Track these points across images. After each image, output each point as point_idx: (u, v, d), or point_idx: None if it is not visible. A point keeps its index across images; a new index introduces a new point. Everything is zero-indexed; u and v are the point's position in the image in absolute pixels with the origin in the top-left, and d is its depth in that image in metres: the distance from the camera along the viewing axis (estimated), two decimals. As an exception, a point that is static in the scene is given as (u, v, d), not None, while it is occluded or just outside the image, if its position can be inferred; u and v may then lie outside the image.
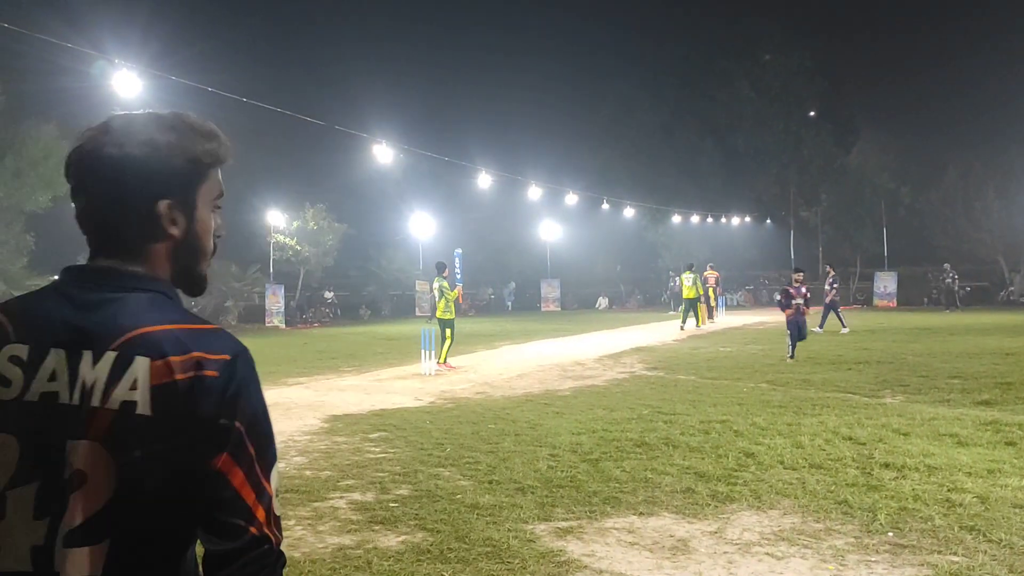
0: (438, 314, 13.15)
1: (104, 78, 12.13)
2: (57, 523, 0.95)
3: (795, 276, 13.26)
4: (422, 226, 32.37)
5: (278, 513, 1.02)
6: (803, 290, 12.90)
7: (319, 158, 36.41)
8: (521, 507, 4.80)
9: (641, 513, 4.71)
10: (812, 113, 44.31)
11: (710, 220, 40.17)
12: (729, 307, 31.95)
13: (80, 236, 1.07)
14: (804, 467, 5.61)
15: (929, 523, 4.36)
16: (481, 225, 37.30)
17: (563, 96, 52.23)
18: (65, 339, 1.00)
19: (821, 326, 18.41)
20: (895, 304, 31.83)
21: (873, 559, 3.90)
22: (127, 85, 12.00)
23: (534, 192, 29.05)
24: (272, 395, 9.90)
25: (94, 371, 0.97)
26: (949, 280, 29.07)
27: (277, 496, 1.02)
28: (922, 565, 3.80)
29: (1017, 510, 4.52)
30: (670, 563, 3.94)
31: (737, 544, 4.17)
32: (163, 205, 1.05)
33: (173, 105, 1.18)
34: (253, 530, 0.97)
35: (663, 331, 20.87)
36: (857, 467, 5.58)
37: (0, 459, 0.98)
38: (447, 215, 34.18)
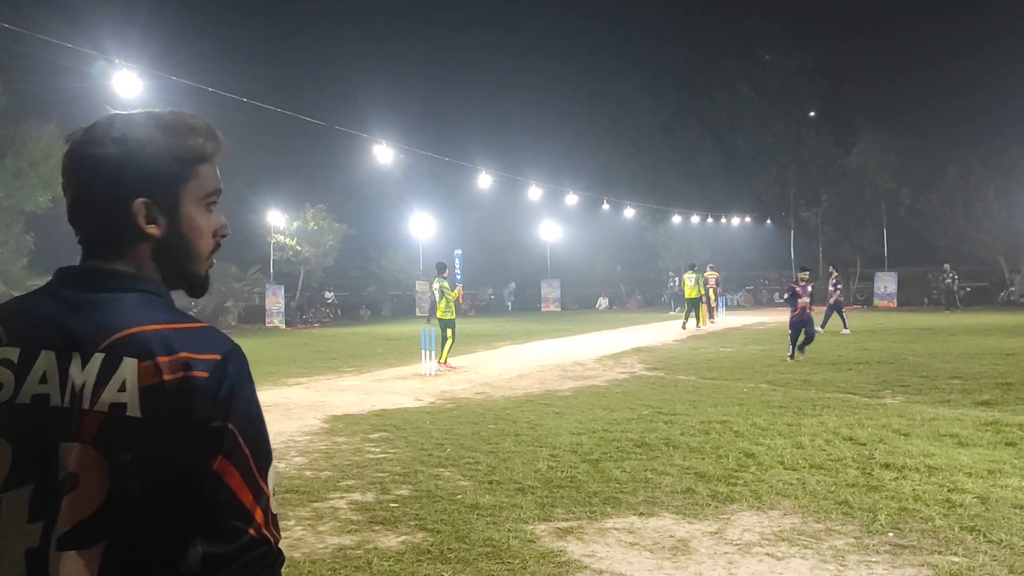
0: (439, 314, 13.16)
1: (104, 78, 12.14)
2: (51, 526, 0.94)
3: (801, 275, 13.17)
4: (422, 226, 32.37)
5: (275, 512, 1.02)
6: (809, 288, 12.88)
7: (319, 158, 36.42)
8: (521, 507, 4.80)
9: (641, 513, 4.71)
10: (812, 113, 44.31)
11: (710, 220, 40.18)
12: (729, 307, 31.95)
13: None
14: (804, 467, 5.61)
15: (929, 523, 4.35)
16: (481, 225, 37.31)
17: (563, 96, 52.22)
18: (55, 341, 0.99)
19: (823, 326, 18.41)
20: (895, 304, 31.84)
21: (873, 559, 3.90)
22: (127, 85, 12.01)
23: (534, 192, 29.06)
24: (272, 395, 9.90)
25: (83, 373, 0.97)
26: (949, 280, 29.08)
27: (274, 495, 1.02)
28: (922, 565, 3.80)
29: (1017, 510, 4.52)
30: (670, 563, 3.94)
31: (737, 544, 4.17)
32: (139, 204, 1.03)
33: (173, 105, 1.17)
34: (251, 531, 0.97)
35: (663, 331, 20.87)
36: (857, 467, 5.58)
37: None
38: (447, 215, 34.18)
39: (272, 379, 11.51)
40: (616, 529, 4.45)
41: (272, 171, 31.76)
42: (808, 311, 12.63)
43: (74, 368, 0.97)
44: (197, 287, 1.12)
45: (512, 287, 39.05)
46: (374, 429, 7.56)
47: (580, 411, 8.27)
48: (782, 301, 37.57)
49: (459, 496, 5.08)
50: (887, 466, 5.56)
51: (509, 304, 38.55)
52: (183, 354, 0.97)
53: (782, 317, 26.01)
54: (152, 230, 1.04)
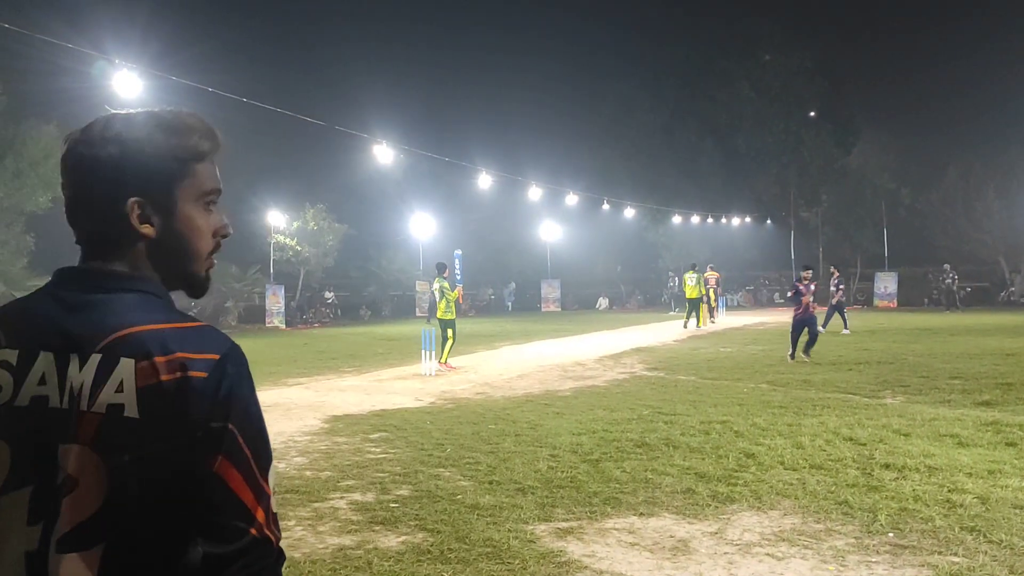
0: (439, 314, 13.16)
1: (104, 78, 12.14)
2: (51, 528, 0.94)
3: (804, 274, 13.05)
4: (422, 226, 32.37)
5: (275, 511, 1.02)
6: (812, 287, 12.85)
7: (319, 158, 36.44)
8: (521, 507, 4.80)
9: (641, 514, 4.71)
10: (812, 113, 44.28)
11: (710, 220, 40.18)
12: (729, 308, 31.95)
13: None
14: (804, 468, 5.61)
15: (930, 524, 4.35)
16: (481, 225, 37.31)
17: (563, 96, 52.30)
18: (53, 342, 0.99)
19: (824, 326, 18.40)
20: (895, 304, 31.84)
21: (874, 560, 3.90)
22: (127, 85, 12.01)
23: (534, 192, 29.06)
24: (272, 395, 9.90)
25: (81, 374, 0.96)
26: (949, 280, 29.08)
27: (274, 495, 1.02)
28: (922, 566, 3.80)
29: (1018, 511, 4.52)
30: (670, 564, 3.94)
31: (737, 545, 4.17)
32: (131, 203, 1.02)
33: (173, 106, 1.16)
34: (253, 531, 0.96)
35: (663, 332, 20.87)
36: (858, 468, 5.57)
37: None
38: (447, 215, 34.19)
39: (272, 379, 11.51)
40: (616, 529, 4.45)
41: (272, 171, 31.80)
42: (811, 310, 12.60)
43: (72, 369, 0.97)
44: (197, 287, 1.11)
45: (512, 287, 39.04)
46: (374, 429, 7.56)
47: (580, 411, 8.27)
48: (782, 301, 37.64)
49: (459, 496, 5.08)
50: (887, 466, 5.56)
51: (509, 304, 38.55)
52: (181, 354, 0.96)
53: (782, 317, 26.05)
54: (146, 230, 1.04)
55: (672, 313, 30.55)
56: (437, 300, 13.27)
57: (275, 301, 28.25)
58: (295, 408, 8.95)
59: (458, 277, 27.69)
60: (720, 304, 27.28)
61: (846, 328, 18.27)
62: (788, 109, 43.27)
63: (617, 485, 5.29)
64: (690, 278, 21.82)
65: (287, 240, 29.36)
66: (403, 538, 4.34)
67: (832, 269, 20.58)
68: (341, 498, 5.16)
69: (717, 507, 4.79)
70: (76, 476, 0.94)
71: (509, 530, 4.39)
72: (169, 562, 0.95)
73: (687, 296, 21.95)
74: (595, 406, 8.58)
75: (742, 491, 5.08)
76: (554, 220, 36.44)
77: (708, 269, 25.48)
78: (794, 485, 5.18)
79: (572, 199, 31.93)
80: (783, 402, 8.47)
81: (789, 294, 13.35)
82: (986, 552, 3.92)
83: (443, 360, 12.70)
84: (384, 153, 19.91)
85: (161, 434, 0.94)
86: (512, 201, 33.02)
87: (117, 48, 13.44)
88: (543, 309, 37.15)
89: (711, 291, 24.47)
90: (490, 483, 5.40)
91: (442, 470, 5.84)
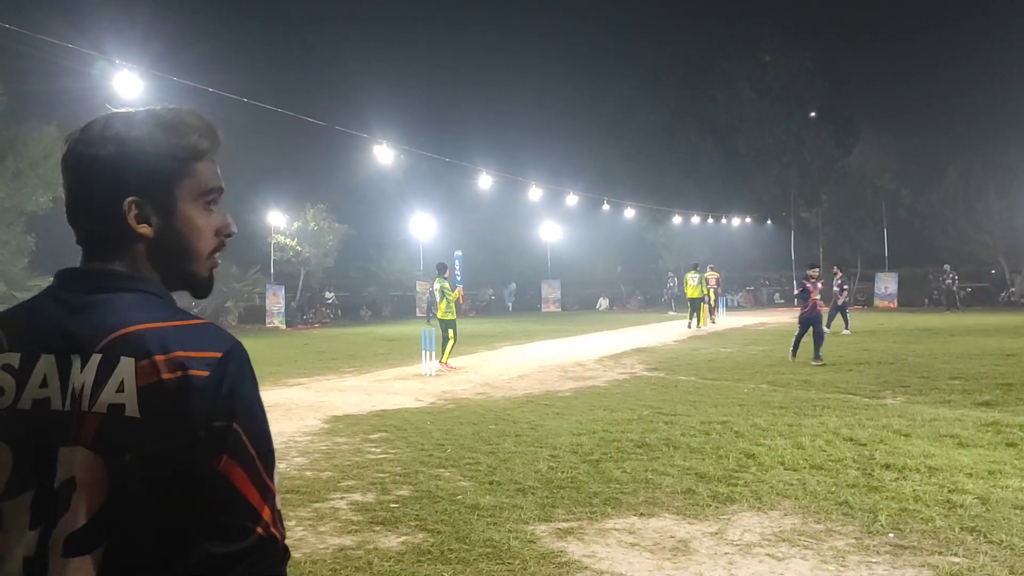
0: (439, 315, 13.17)
1: (105, 79, 12.14)
2: (52, 531, 0.93)
3: (811, 271, 12.91)
4: (423, 227, 32.37)
5: (279, 509, 1.01)
6: (819, 285, 12.75)
7: (319, 159, 36.48)
8: (522, 508, 4.80)
9: (642, 514, 4.71)
10: (813, 114, 44.29)
11: (710, 221, 40.19)
12: (729, 308, 31.95)
13: None
14: (805, 468, 5.61)
15: (930, 524, 4.35)
16: (481, 226, 37.31)
17: (563, 96, 52.37)
18: (54, 344, 0.98)
19: (828, 325, 18.38)
20: (896, 305, 31.84)
21: (874, 560, 3.90)
22: (128, 86, 12.02)
23: (534, 193, 29.07)
24: (273, 396, 9.90)
25: (82, 375, 0.95)
26: (949, 281, 29.07)
27: (278, 493, 1.02)
28: (923, 566, 3.80)
29: (1018, 511, 4.52)
30: (671, 564, 3.94)
31: (738, 545, 4.17)
32: (128, 203, 1.01)
33: (174, 105, 1.15)
34: (259, 530, 0.95)
35: (664, 332, 20.87)
36: (858, 468, 5.57)
37: None
38: (447, 216, 34.19)
39: (272, 379, 11.51)
40: (616, 530, 4.45)
41: (272, 171, 31.83)
42: (818, 308, 12.54)
43: (74, 370, 0.96)
44: (199, 287, 1.10)
45: (512, 288, 39.05)
46: (374, 429, 7.56)
47: (580, 412, 8.27)
48: (782, 302, 37.65)
49: (459, 496, 5.08)
50: (887, 467, 5.56)
51: (509, 305, 38.56)
52: (181, 352, 0.95)
53: (782, 318, 26.06)
54: (143, 229, 1.03)
55: (671, 314, 30.55)
56: (438, 300, 13.28)
57: (275, 301, 28.25)
58: (295, 408, 8.95)
59: (458, 278, 27.69)
60: (720, 304, 27.28)
61: (847, 328, 18.27)
62: (788, 109, 43.28)
63: (617, 485, 5.29)
64: (692, 278, 21.82)
65: (287, 240, 29.37)
66: (403, 538, 4.34)
67: (835, 269, 20.54)
68: (341, 498, 5.16)
69: (717, 507, 4.79)
70: (77, 478, 0.93)
71: (509, 530, 4.39)
72: (172, 562, 0.95)
73: (688, 296, 21.95)
74: (595, 406, 8.58)
75: (742, 491, 5.08)
76: (554, 220, 36.45)
77: (708, 269, 25.49)
78: (794, 485, 5.18)
79: (572, 199, 31.94)
80: (783, 402, 8.47)
81: (796, 292, 13.25)
82: (986, 552, 3.92)
83: (444, 360, 12.71)
84: (384, 153, 19.92)
85: (163, 433, 0.93)
86: (512, 201, 33.03)
87: (118, 48, 13.45)
88: (543, 309, 37.16)
89: (711, 291, 24.48)
90: (490, 483, 5.40)
91: (442, 470, 5.84)
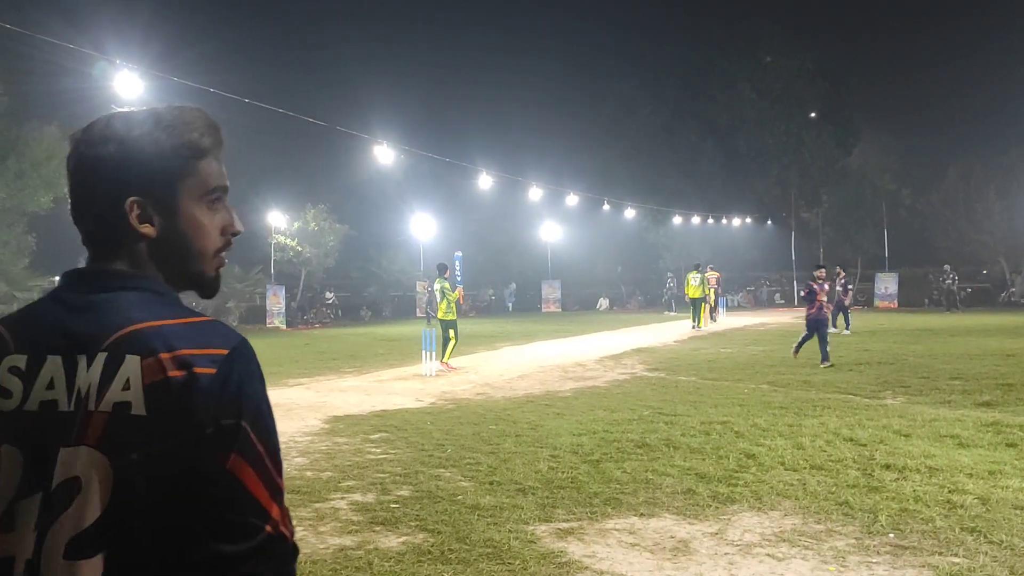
0: (440, 315, 13.18)
1: (106, 79, 12.15)
2: (59, 533, 0.92)
3: (817, 272, 12.74)
4: (423, 227, 32.38)
5: (287, 507, 1.00)
6: (826, 287, 12.63)
7: (320, 159, 36.53)
8: (522, 508, 4.80)
9: (642, 514, 4.71)
10: (813, 115, 44.31)
11: (711, 221, 40.19)
12: (730, 308, 31.95)
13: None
14: (805, 468, 5.61)
15: (930, 524, 4.35)
16: (482, 226, 37.33)
17: (563, 96, 52.43)
18: (60, 345, 0.98)
19: (835, 326, 18.37)
20: (896, 305, 31.84)
21: (874, 560, 3.90)
22: (129, 86, 12.02)
23: (535, 193, 29.08)
24: (273, 396, 9.79)
25: (88, 374, 0.95)
26: (950, 281, 29.08)
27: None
28: (923, 566, 3.80)
29: (1018, 511, 4.52)
30: (671, 564, 3.94)
31: (738, 545, 4.17)
32: (130, 203, 1.01)
33: (178, 104, 1.15)
34: (268, 528, 0.95)
35: (664, 332, 20.87)
36: (858, 468, 5.57)
37: (6, 471, 0.96)
38: (448, 216, 34.21)
39: (273, 380, 11.52)
40: (617, 530, 4.45)
41: (273, 171, 31.87)
42: (825, 310, 12.41)
43: (80, 370, 0.96)
44: (206, 287, 1.09)
45: (513, 288, 39.06)
46: (375, 430, 7.56)
47: (581, 412, 8.27)
48: (783, 302, 37.65)
49: (460, 497, 5.08)
50: (888, 467, 5.56)
51: (510, 305, 38.57)
52: (187, 350, 0.95)
53: (783, 318, 26.05)
54: (146, 229, 1.02)
55: (671, 314, 30.54)
56: (438, 301, 13.29)
57: (276, 302, 28.27)
58: (296, 408, 8.95)
59: (459, 278, 27.71)
60: (720, 304, 27.29)
61: (847, 328, 18.27)
62: (789, 110, 43.30)
63: (618, 486, 5.29)
64: (693, 278, 21.82)
65: (288, 240, 29.39)
66: (404, 538, 4.34)
67: (839, 269, 20.48)
68: (342, 498, 5.16)
69: (718, 508, 4.79)
70: (82, 479, 0.93)
71: (510, 530, 4.39)
72: (179, 562, 0.94)
73: (690, 296, 21.95)
74: (596, 407, 8.58)
75: (743, 492, 5.08)
76: (554, 221, 36.47)
77: (708, 269, 25.51)
78: (795, 486, 5.18)
79: (572, 200, 31.97)
80: (784, 403, 8.47)
81: (802, 293, 13.07)
82: (986, 553, 3.92)
83: (445, 360, 12.71)
84: (385, 154, 19.93)
85: (169, 431, 0.93)
86: (512, 202, 33.05)
87: (118, 48, 13.47)
88: (544, 310, 37.17)
89: (712, 291, 24.49)
90: (491, 484, 5.40)
91: (443, 471, 5.84)
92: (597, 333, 21.23)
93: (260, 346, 1.04)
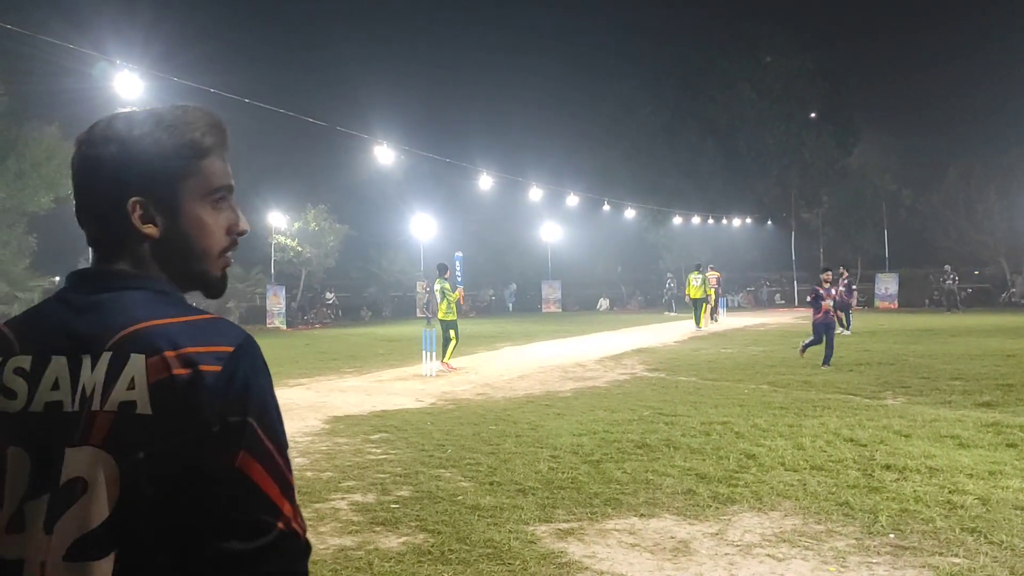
0: (440, 316, 13.18)
1: (106, 79, 12.17)
2: (67, 534, 0.92)
3: (824, 276, 12.54)
4: (423, 227, 32.38)
5: (297, 503, 0.99)
6: (832, 291, 12.40)
7: (320, 159, 36.57)
8: (522, 508, 4.80)
9: (642, 515, 4.71)
10: (813, 115, 44.30)
11: (711, 221, 40.19)
12: (730, 308, 31.95)
13: (81, 237, 1.07)
14: (805, 469, 5.61)
15: (930, 525, 4.35)
16: (482, 226, 37.34)
17: (563, 96, 52.45)
18: (64, 345, 0.98)
19: (840, 325, 18.32)
20: (896, 306, 31.84)
21: (874, 560, 3.90)
22: (129, 86, 12.03)
23: (535, 193, 29.09)
24: (273, 396, 9.90)
25: (93, 374, 0.95)
26: (950, 282, 29.07)
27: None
28: (923, 567, 3.80)
29: (1018, 512, 4.52)
30: (671, 564, 3.94)
31: (738, 546, 4.17)
32: (132, 203, 1.00)
33: (180, 103, 1.15)
34: (280, 525, 0.94)
35: (664, 332, 20.87)
36: (858, 469, 5.57)
37: (14, 472, 0.95)
38: (448, 216, 34.21)
39: (273, 380, 11.43)
40: (617, 530, 4.45)
41: (273, 172, 31.91)
42: (831, 314, 12.21)
43: (84, 371, 0.96)
44: (212, 287, 1.09)
45: (513, 288, 39.06)
46: (375, 430, 7.56)
47: (581, 412, 8.27)
48: (783, 302, 37.64)
49: (460, 497, 5.08)
50: (888, 467, 5.56)
51: (510, 305, 38.58)
52: (192, 348, 0.94)
53: (783, 319, 26.04)
54: (149, 230, 1.02)
55: (670, 314, 30.54)
56: (438, 301, 13.29)
57: (276, 302, 28.28)
58: (296, 408, 8.95)
59: (459, 278, 27.70)
60: (721, 305, 27.29)
61: (848, 329, 18.27)
62: (789, 110, 43.29)
63: (618, 486, 5.29)
64: (695, 278, 21.82)
65: (288, 241, 29.40)
66: (404, 539, 4.34)
67: (842, 269, 20.40)
68: (342, 499, 5.16)
69: (718, 508, 4.79)
70: (87, 479, 0.92)
71: (510, 531, 4.39)
72: (188, 562, 0.93)
73: (692, 296, 21.95)
74: (596, 407, 8.58)
75: (743, 492, 5.08)
76: (555, 221, 36.47)
77: (709, 269, 25.51)
78: (795, 486, 5.18)
79: (573, 200, 31.96)
80: (784, 403, 8.47)
81: (808, 298, 12.90)
82: (987, 553, 3.92)
83: (445, 360, 12.72)
84: (385, 154, 19.93)
85: (175, 430, 0.92)
86: (513, 202, 33.06)
87: (119, 49, 13.48)
88: (544, 310, 37.17)
89: (712, 291, 24.48)
90: (491, 484, 5.40)
91: (443, 471, 5.84)
92: (597, 333, 21.23)
93: (260, 346, 1.04)
